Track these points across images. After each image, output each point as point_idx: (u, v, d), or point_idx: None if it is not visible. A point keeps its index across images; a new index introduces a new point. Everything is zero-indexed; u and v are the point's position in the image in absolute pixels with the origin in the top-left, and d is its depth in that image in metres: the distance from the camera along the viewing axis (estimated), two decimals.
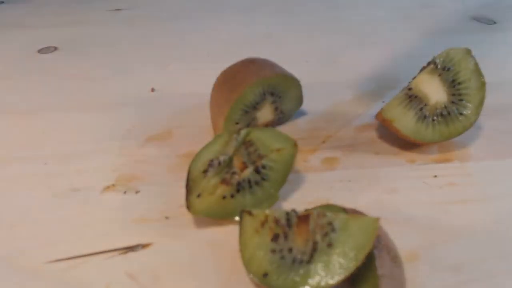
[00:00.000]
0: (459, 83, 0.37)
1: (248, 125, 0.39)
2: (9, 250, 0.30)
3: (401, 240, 0.30)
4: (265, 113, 0.39)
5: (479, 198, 0.34)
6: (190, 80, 0.50)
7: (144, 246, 0.31)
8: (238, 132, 0.34)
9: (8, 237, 0.31)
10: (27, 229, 0.32)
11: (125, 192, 0.35)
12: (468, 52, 0.37)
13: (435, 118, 0.36)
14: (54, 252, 0.30)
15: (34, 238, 0.31)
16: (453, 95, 0.37)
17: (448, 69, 0.37)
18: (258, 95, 0.38)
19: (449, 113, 0.36)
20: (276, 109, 0.40)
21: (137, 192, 0.35)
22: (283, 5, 0.71)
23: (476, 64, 0.37)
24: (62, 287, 0.28)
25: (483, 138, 0.40)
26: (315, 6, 0.70)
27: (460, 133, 0.36)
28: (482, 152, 0.38)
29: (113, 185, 0.36)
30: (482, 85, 0.37)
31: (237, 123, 0.38)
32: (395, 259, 0.26)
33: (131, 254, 0.30)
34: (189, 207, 0.31)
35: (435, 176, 0.36)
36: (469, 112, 0.36)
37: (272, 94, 0.39)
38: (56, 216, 0.33)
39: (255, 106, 0.38)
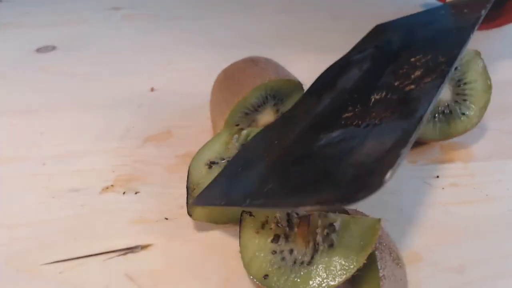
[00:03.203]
0: (465, 83, 0.36)
1: (248, 126, 0.39)
2: (7, 251, 0.30)
3: (403, 241, 0.30)
4: (266, 115, 0.39)
5: (481, 198, 0.33)
6: (190, 80, 0.50)
7: (143, 247, 0.30)
8: (238, 132, 0.33)
9: (7, 238, 0.31)
10: (25, 230, 0.32)
11: (124, 193, 0.35)
12: (477, 54, 0.37)
13: (436, 115, 0.36)
14: (52, 253, 0.30)
15: (32, 239, 0.31)
16: (458, 94, 0.36)
17: (456, 68, 0.36)
18: (260, 98, 0.37)
19: (451, 112, 0.36)
20: (277, 111, 0.40)
21: (136, 192, 0.35)
22: (283, 4, 0.71)
23: (484, 67, 0.36)
24: None
25: (486, 139, 0.39)
26: (316, 5, 0.70)
27: (461, 133, 0.36)
28: (484, 152, 0.38)
29: (112, 185, 0.35)
30: (488, 88, 0.36)
31: (237, 125, 0.38)
32: (397, 260, 0.26)
33: (130, 255, 0.30)
34: (190, 213, 0.30)
35: (437, 177, 0.35)
36: (472, 113, 0.36)
37: (274, 97, 0.38)
38: (55, 217, 0.33)
39: (257, 109, 0.38)
